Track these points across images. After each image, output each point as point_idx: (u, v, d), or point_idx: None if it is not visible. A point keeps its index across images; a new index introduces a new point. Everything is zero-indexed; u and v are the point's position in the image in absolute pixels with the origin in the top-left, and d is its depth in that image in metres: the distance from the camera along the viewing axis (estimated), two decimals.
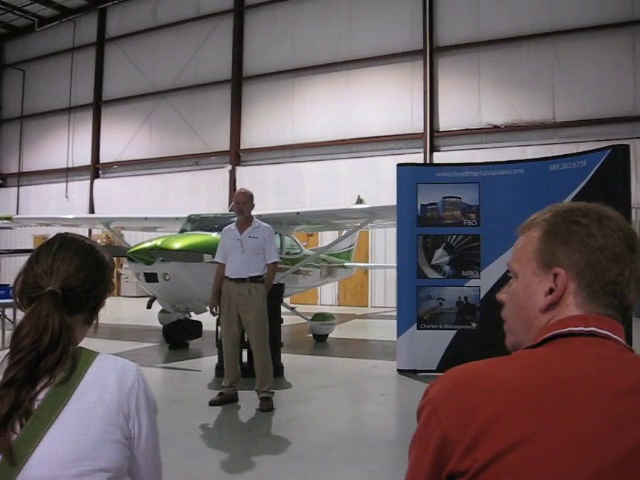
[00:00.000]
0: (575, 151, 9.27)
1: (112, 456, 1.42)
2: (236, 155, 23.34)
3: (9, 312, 8.83)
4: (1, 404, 1.37)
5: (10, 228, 23.17)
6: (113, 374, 1.50)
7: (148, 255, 10.01)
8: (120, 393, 1.47)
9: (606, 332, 1.18)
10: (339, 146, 21.46)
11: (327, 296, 21.39)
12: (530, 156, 13.46)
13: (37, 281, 1.57)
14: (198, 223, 12.04)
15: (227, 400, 6.82)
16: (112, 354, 1.59)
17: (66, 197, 27.63)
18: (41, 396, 1.41)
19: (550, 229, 1.27)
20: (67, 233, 1.72)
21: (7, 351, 1.49)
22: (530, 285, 1.27)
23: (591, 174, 7.85)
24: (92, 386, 1.46)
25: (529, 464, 1.05)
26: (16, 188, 29.53)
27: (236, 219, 7.19)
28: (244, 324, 6.82)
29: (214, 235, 10.24)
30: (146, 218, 15.06)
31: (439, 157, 19.28)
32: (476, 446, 1.08)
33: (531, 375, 1.14)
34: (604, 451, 1.05)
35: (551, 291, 1.24)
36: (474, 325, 8.64)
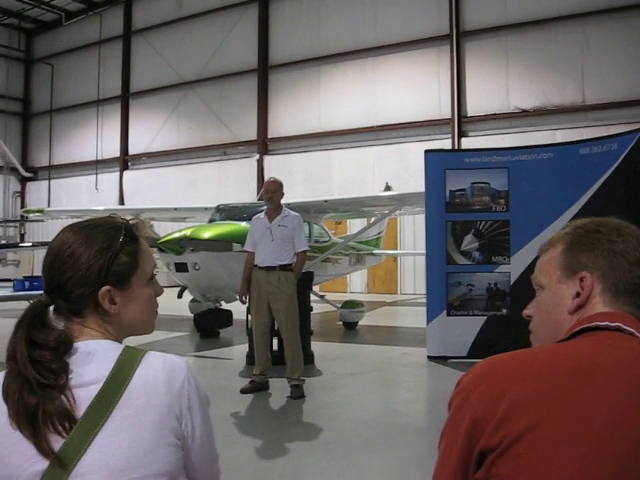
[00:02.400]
0: (606, 134, 9.14)
1: (166, 460, 1.35)
2: (263, 144, 23.38)
3: None
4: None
5: (42, 221, 23.49)
6: (161, 375, 1.41)
7: (178, 245, 10.08)
8: (170, 395, 1.39)
9: (631, 329, 1.24)
10: (366, 133, 21.39)
11: (356, 284, 21.40)
12: (560, 140, 13.31)
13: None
14: (227, 213, 12.08)
15: (258, 388, 6.86)
16: (143, 344, 1.55)
17: (96, 189, 27.92)
18: (83, 401, 1.33)
19: (573, 240, 1.36)
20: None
21: None
22: (557, 292, 1.35)
23: (622, 157, 7.75)
24: (140, 390, 1.37)
25: (557, 441, 1.09)
26: (47, 181, 29.88)
27: (265, 208, 7.21)
28: (274, 312, 6.84)
29: (243, 224, 10.28)
30: (176, 209, 15.18)
31: (467, 142, 19.13)
32: (506, 422, 1.13)
33: (560, 360, 1.19)
34: (632, 432, 1.09)
35: (578, 295, 1.31)
36: (504, 311, 8.59)
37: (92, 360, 1.38)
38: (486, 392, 1.17)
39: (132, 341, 1.53)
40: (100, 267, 1.44)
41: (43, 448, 1.27)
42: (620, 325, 1.24)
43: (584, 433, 1.10)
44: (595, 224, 1.36)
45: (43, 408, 1.29)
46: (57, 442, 1.29)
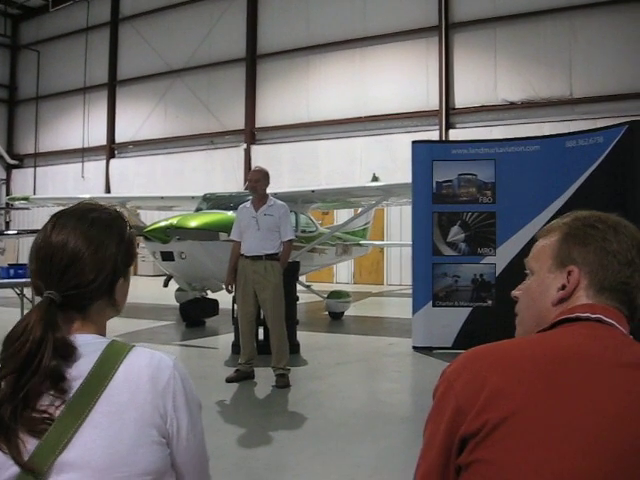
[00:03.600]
0: (593, 127, 9.18)
1: (150, 458, 1.31)
2: (251, 134, 23.31)
3: (27, 291, 8.92)
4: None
5: (28, 208, 23.32)
6: (146, 371, 1.36)
7: (164, 234, 10.04)
8: (154, 392, 1.34)
9: (612, 321, 1.27)
10: (354, 124, 21.36)
11: (343, 274, 21.41)
12: (547, 133, 13.35)
13: (35, 276, 1.40)
14: (214, 202, 12.06)
15: (243, 377, 6.88)
16: (129, 333, 1.53)
17: (82, 177, 27.76)
18: (65, 397, 1.28)
19: (569, 231, 1.37)
20: (69, 207, 1.48)
21: None
22: (544, 281, 1.38)
23: (608, 150, 7.79)
24: (123, 386, 1.32)
25: (535, 426, 1.12)
26: (33, 169, 29.69)
27: (252, 197, 7.21)
28: (260, 302, 6.85)
29: (230, 214, 10.26)
30: (162, 197, 15.15)
31: (455, 134, 19.16)
32: (486, 409, 1.16)
33: (539, 349, 1.23)
34: (602, 411, 1.13)
35: (564, 287, 1.34)
36: (489, 302, 8.63)
37: (77, 355, 1.33)
38: (468, 381, 1.21)
39: (120, 330, 1.52)
40: (121, 261, 1.43)
41: (14, 457, 1.23)
42: (600, 317, 1.26)
43: (564, 419, 1.12)
44: (594, 219, 1.37)
45: (15, 420, 1.25)
46: (33, 444, 1.25)
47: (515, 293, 1.47)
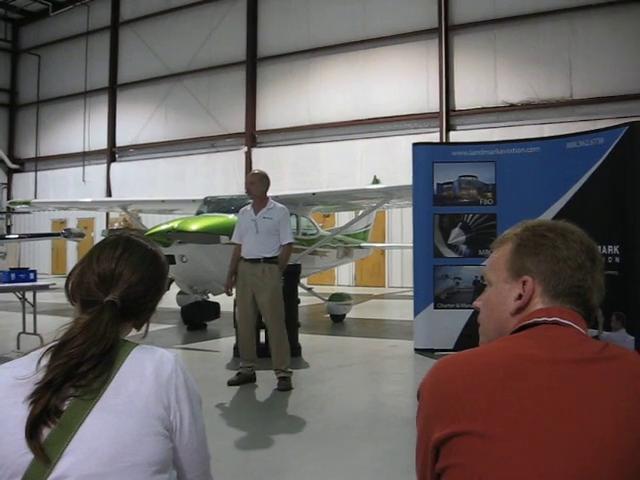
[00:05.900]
0: (593, 129, 9.17)
1: (154, 449, 1.37)
2: (252, 137, 23.33)
3: (29, 295, 8.92)
4: (36, 405, 1.32)
5: (29, 212, 23.34)
6: (150, 365, 1.45)
7: (165, 237, 10.03)
8: (158, 384, 1.42)
9: (568, 322, 1.32)
10: (355, 126, 21.39)
11: (344, 277, 21.43)
12: (547, 134, 13.35)
13: (94, 284, 1.54)
14: (215, 205, 12.06)
15: (245, 380, 6.87)
16: (131, 336, 1.58)
17: (83, 181, 27.79)
18: (73, 392, 1.36)
19: (521, 242, 1.43)
20: (131, 235, 1.69)
21: (43, 348, 1.45)
22: (502, 291, 1.43)
23: (608, 151, 7.78)
24: (129, 379, 1.41)
25: (500, 427, 1.18)
26: (34, 173, 29.72)
27: (252, 200, 7.21)
28: (259, 305, 6.82)
29: (231, 217, 10.26)
30: (163, 201, 15.14)
31: (455, 136, 19.17)
32: (453, 416, 1.24)
33: (493, 357, 1.29)
34: (556, 406, 1.19)
35: (520, 297, 1.39)
36: None
37: None
38: (434, 391, 1.31)
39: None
40: (159, 297, 1.70)
41: (31, 446, 1.30)
42: (557, 319, 1.32)
43: (524, 419, 1.18)
44: (543, 228, 1.42)
45: (48, 408, 1.33)
46: (45, 433, 1.31)
47: (476, 304, 1.52)
